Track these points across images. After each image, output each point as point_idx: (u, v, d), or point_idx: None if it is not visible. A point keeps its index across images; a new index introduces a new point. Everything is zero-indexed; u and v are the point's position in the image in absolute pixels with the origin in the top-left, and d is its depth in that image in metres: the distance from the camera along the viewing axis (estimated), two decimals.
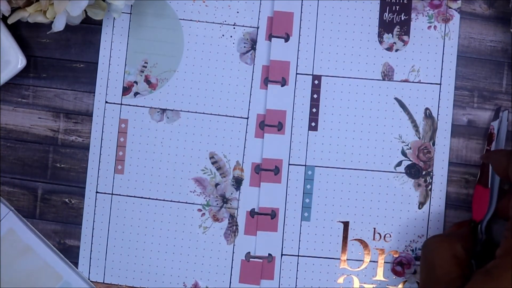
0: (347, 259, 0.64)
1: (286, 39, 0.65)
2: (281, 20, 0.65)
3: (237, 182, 0.65)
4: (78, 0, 0.58)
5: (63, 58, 0.66)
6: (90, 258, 0.65)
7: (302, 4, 0.65)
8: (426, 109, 0.64)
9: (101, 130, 0.65)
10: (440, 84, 0.65)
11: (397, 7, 0.65)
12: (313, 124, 0.65)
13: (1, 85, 0.63)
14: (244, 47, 0.65)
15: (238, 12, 0.65)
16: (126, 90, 0.65)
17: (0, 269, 0.63)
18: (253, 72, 0.65)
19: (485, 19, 0.65)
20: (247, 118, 0.65)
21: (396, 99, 0.65)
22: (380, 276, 0.64)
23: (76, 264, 0.65)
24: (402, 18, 0.65)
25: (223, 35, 0.65)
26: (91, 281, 0.65)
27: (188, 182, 0.65)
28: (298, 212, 0.64)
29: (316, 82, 0.65)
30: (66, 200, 0.66)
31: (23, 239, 0.64)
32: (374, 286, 0.64)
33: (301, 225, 0.64)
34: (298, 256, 0.64)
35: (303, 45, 0.65)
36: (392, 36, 0.65)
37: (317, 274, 0.64)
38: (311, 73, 0.65)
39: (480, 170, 0.63)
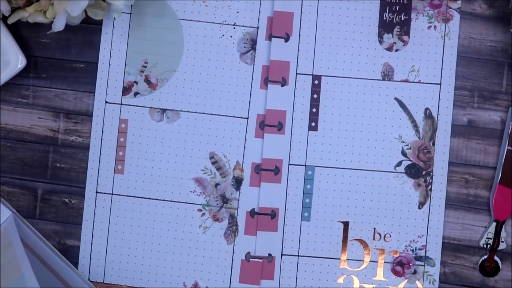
0: (347, 259, 0.64)
1: (286, 39, 0.65)
2: (281, 20, 0.65)
3: (237, 182, 0.65)
4: (78, 0, 0.58)
5: (63, 58, 0.66)
6: (90, 258, 0.65)
7: (302, 4, 0.65)
8: (426, 109, 0.64)
9: (101, 130, 0.65)
10: (440, 84, 0.65)
11: (397, 7, 0.65)
12: (313, 124, 0.65)
13: (1, 85, 0.63)
14: (244, 47, 0.65)
15: (238, 12, 0.65)
16: (126, 90, 0.65)
17: (0, 268, 0.63)
18: (253, 72, 0.65)
19: (485, 19, 0.65)
20: (247, 118, 0.65)
21: (396, 99, 0.65)
22: (380, 276, 0.64)
23: (76, 264, 0.65)
24: (402, 18, 0.65)
25: (223, 35, 0.65)
26: (91, 281, 0.65)
27: (188, 182, 0.65)
28: (298, 212, 0.64)
29: (316, 82, 0.65)
30: (66, 200, 0.66)
31: (9, 234, 0.62)
32: (374, 286, 0.64)
33: (301, 225, 0.64)
34: (298, 256, 0.64)
35: (303, 45, 0.65)
36: (392, 36, 0.65)
37: (317, 274, 0.64)
38: (311, 73, 0.65)
39: (502, 170, 0.63)
